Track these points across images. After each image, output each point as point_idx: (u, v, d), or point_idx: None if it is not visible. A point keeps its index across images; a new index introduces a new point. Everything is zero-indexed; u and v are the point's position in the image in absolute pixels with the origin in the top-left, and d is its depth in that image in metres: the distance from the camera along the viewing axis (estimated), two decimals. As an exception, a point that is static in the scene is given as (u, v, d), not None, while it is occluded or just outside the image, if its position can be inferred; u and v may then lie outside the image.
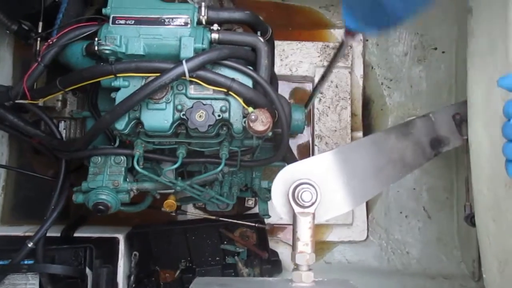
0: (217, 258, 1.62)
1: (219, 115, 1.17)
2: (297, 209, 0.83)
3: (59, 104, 1.42)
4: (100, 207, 1.22)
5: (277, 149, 1.29)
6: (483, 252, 1.14)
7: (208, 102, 1.18)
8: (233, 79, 1.14)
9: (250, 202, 1.72)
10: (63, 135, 1.44)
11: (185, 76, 1.10)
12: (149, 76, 1.14)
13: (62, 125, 1.47)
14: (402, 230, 1.83)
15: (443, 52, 1.88)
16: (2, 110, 1.30)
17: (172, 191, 1.36)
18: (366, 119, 1.89)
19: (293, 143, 1.85)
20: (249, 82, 1.17)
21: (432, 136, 1.23)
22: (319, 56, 1.82)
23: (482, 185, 1.09)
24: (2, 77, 1.64)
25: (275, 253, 1.66)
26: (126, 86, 1.16)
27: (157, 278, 1.60)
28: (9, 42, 1.67)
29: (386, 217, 1.84)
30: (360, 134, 1.84)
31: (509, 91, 0.78)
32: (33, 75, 1.22)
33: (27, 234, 1.42)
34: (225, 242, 1.61)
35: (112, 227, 1.61)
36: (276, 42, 1.76)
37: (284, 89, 1.86)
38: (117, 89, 1.17)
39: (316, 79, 1.82)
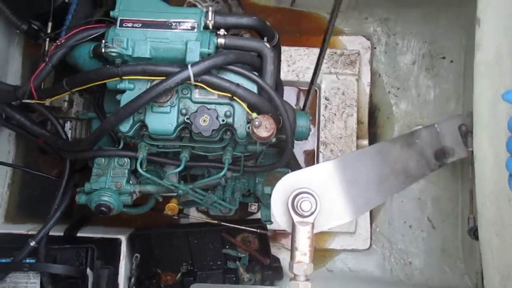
0: (218, 263, 1.62)
1: (223, 120, 1.17)
2: (296, 218, 0.83)
3: (66, 104, 1.43)
4: (102, 208, 1.22)
5: (281, 155, 1.28)
6: (485, 266, 1.13)
7: (213, 106, 1.18)
8: (238, 85, 1.14)
9: (253, 207, 1.72)
10: (69, 136, 1.45)
11: (190, 80, 1.10)
12: (154, 79, 1.14)
13: (68, 125, 1.47)
14: (406, 240, 1.82)
15: (451, 61, 1.87)
16: (9, 109, 1.32)
17: (175, 194, 1.36)
18: (372, 127, 1.88)
19: (300, 149, 1.85)
20: (254, 88, 1.17)
21: (437, 147, 1.21)
22: (326, 63, 1.81)
23: (486, 199, 1.08)
24: (12, 75, 1.66)
25: (276, 259, 1.66)
26: (132, 88, 1.16)
27: (158, 280, 1.60)
28: (19, 41, 1.68)
29: (389, 226, 1.83)
30: (365, 142, 1.83)
31: None
32: (41, 75, 1.23)
33: (30, 232, 1.43)
34: (227, 247, 1.61)
35: (115, 228, 1.62)
36: (284, 48, 1.76)
37: (291, 95, 1.86)
38: (122, 91, 1.17)
39: (323, 86, 1.82)
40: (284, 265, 1.66)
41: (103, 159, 1.29)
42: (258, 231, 1.55)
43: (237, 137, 1.20)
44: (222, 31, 1.19)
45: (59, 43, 1.24)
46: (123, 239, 1.46)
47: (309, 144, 1.85)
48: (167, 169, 1.35)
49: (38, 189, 1.74)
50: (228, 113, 1.18)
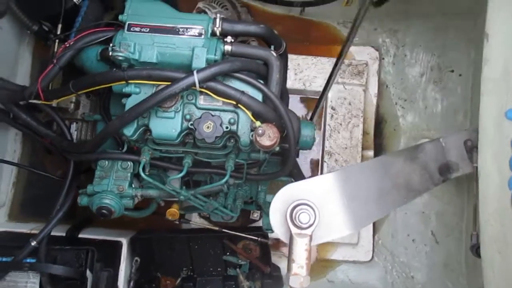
0: (218, 269, 1.61)
1: (227, 127, 1.17)
2: (294, 230, 0.82)
3: (72, 105, 1.44)
4: (104, 211, 1.22)
5: (284, 164, 1.28)
6: (487, 284, 1.11)
7: (217, 113, 1.18)
8: (243, 92, 1.14)
9: (256, 215, 1.71)
10: (74, 137, 1.46)
11: (195, 86, 1.11)
12: (160, 84, 1.15)
13: (74, 126, 1.48)
14: (408, 254, 1.80)
15: (460, 75, 1.85)
16: (16, 109, 1.33)
17: (177, 199, 1.36)
18: (378, 138, 1.87)
19: (305, 158, 1.84)
20: (259, 96, 1.17)
21: (441, 162, 1.20)
22: (334, 72, 1.81)
23: (489, 216, 1.07)
24: (21, 75, 1.67)
25: (277, 268, 1.65)
26: (137, 92, 1.17)
27: (158, 284, 1.60)
28: (30, 42, 1.70)
29: (392, 239, 1.81)
30: (371, 153, 1.82)
31: None
32: (48, 76, 1.24)
33: (32, 231, 1.44)
34: (228, 254, 1.60)
35: (117, 230, 1.62)
36: (292, 56, 1.77)
37: (297, 103, 1.86)
38: (128, 95, 1.18)
39: (330, 95, 1.81)
40: (285, 274, 1.65)
41: (106, 162, 1.29)
42: (259, 239, 1.54)
43: (240, 145, 1.20)
44: (229, 38, 1.20)
45: (67, 45, 1.25)
46: (125, 242, 1.47)
47: (315, 153, 1.85)
48: (170, 174, 1.35)
49: (43, 188, 1.75)
50: (232, 120, 1.18)
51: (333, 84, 1.79)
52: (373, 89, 1.86)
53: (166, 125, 1.17)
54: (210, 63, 1.14)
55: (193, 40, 1.17)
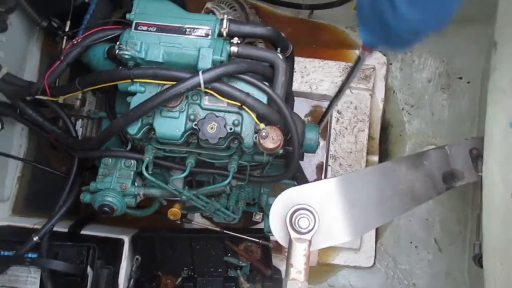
0: (219, 270, 1.61)
1: (230, 128, 1.17)
2: (293, 235, 0.81)
3: (78, 102, 1.44)
4: (105, 209, 1.22)
5: (287, 167, 1.27)
6: (488, 294, 1.10)
7: (221, 114, 1.18)
8: (248, 94, 1.14)
9: (258, 217, 1.71)
10: (79, 133, 1.46)
11: (200, 87, 1.10)
12: (165, 84, 1.15)
13: (79, 123, 1.49)
14: (411, 261, 1.78)
15: (468, 82, 1.84)
16: (22, 104, 1.33)
17: (179, 199, 1.36)
18: (384, 143, 1.86)
19: (309, 161, 1.83)
20: (264, 98, 1.17)
21: (445, 170, 1.19)
22: (340, 76, 1.80)
23: (493, 226, 1.05)
24: (29, 71, 1.68)
25: (278, 271, 1.64)
26: (142, 91, 1.17)
27: (158, 283, 1.60)
28: (38, 37, 1.70)
29: (395, 245, 1.80)
30: (375, 158, 1.81)
31: None
32: (55, 72, 1.25)
33: (35, 226, 1.44)
34: (229, 255, 1.60)
35: (119, 227, 1.62)
36: (299, 59, 1.76)
37: (303, 106, 1.85)
38: (133, 93, 1.18)
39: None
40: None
41: (110, 160, 1.29)
42: (260, 241, 1.54)
43: (244, 147, 1.20)
44: (235, 40, 1.19)
45: (75, 42, 1.26)
46: (126, 239, 1.47)
47: (320, 156, 1.84)
48: (174, 174, 1.35)
49: (47, 184, 1.75)
50: (236, 122, 1.18)
51: (340, 87, 1.79)
52: (380, 94, 1.85)
53: (170, 125, 1.17)
54: (216, 64, 1.14)
55: (199, 40, 1.17)
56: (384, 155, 1.85)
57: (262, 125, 1.13)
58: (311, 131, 1.32)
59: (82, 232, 1.51)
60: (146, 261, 1.55)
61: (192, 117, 1.18)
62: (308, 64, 1.82)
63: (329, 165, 1.77)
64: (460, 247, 1.76)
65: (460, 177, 1.24)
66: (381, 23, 0.85)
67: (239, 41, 1.20)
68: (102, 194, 1.24)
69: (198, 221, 1.70)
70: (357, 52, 1.89)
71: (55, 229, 1.34)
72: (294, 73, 1.66)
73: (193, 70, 1.13)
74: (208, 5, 1.59)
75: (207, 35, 1.17)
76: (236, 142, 1.22)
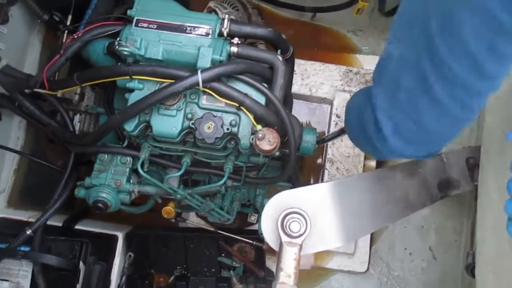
0: (212, 270, 1.61)
1: (227, 129, 1.17)
2: (284, 238, 0.81)
3: (77, 97, 1.44)
4: (99, 205, 1.22)
5: (284, 170, 1.27)
6: (480, 306, 1.09)
7: (219, 114, 1.17)
8: (246, 95, 1.13)
9: (253, 218, 1.71)
10: (77, 128, 1.46)
11: (198, 86, 1.10)
12: (163, 82, 1.14)
13: (77, 118, 1.49)
14: (405, 268, 1.77)
15: (468, 90, 1.82)
16: (21, 97, 1.33)
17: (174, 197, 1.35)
18: (382, 148, 1.85)
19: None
20: (262, 99, 1.17)
21: (441, 178, 1.18)
22: (340, 80, 1.80)
23: (486, 236, 1.05)
24: (29, 63, 1.68)
25: (271, 273, 1.63)
26: (140, 88, 1.17)
27: (151, 281, 1.60)
28: (40, 30, 1.70)
29: (389, 251, 1.79)
30: (373, 163, 1.80)
31: None
32: (54, 66, 1.25)
33: (30, 219, 1.44)
34: (223, 255, 1.59)
35: (113, 224, 1.62)
36: (299, 61, 1.76)
37: (302, 108, 1.85)
38: (131, 90, 1.18)
39: (336, 103, 1.80)
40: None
41: (106, 156, 1.29)
42: (254, 243, 1.53)
43: (240, 147, 1.19)
44: (236, 40, 1.19)
45: (75, 37, 1.26)
46: (120, 236, 1.46)
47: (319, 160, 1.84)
48: (170, 172, 1.35)
49: (43, 177, 1.75)
50: (233, 122, 1.17)
51: (339, 91, 1.79)
52: (380, 98, 1.83)
53: (167, 123, 1.17)
54: (215, 64, 1.14)
55: (199, 39, 1.16)
56: (381, 161, 1.84)
57: (259, 127, 1.13)
58: (309, 134, 1.32)
59: (76, 227, 1.51)
60: (139, 259, 1.54)
61: (189, 116, 1.18)
62: (308, 66, 1.81)
63: (327, 169, 1.76)
64: (454, 256, 1.75)
65: (456, 185, 1.23)
66: (369, 146, 0.89)
67: (239, 42, 1.20)
68: (97, 190, 1.23)
69: (193, 220, 1.69)
70: (358, 56, 1.89)
71: (49, 223, 1.33)
72: (294, 75, 1.66)
73: (192, 68, 1.13)
74: (211, 4, 1.59)
75: (207, 34, 1.17)
76: (232, 142, 1.22)
